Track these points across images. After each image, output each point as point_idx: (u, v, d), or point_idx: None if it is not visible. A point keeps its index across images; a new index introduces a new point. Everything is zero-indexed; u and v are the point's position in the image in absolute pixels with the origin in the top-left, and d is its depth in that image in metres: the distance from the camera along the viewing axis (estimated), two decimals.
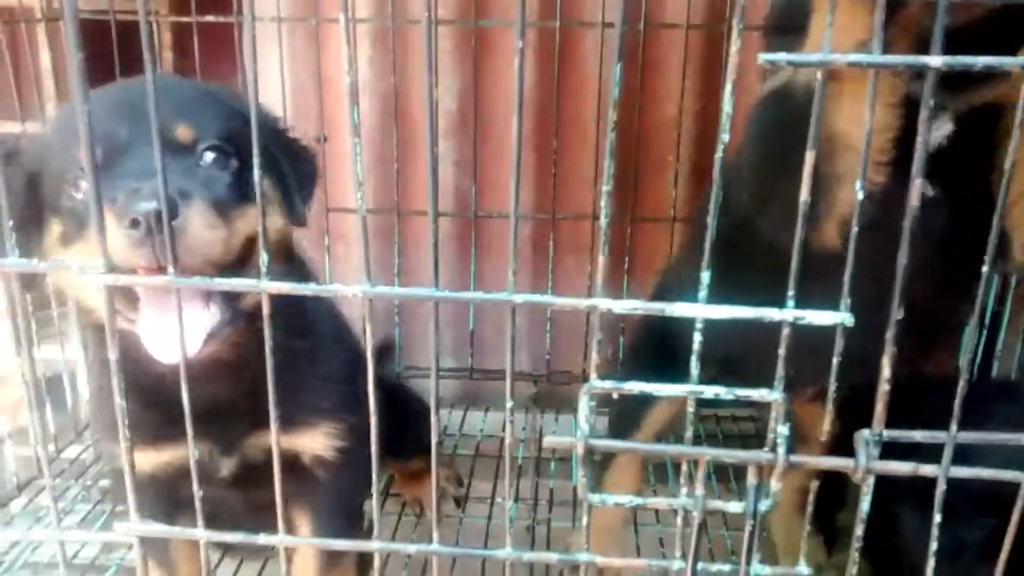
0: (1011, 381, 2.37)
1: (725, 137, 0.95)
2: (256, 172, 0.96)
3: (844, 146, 1.33)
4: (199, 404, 1.06)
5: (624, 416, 2.02)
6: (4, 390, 2.30)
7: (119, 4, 2.33)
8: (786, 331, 1.00)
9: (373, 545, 1.15)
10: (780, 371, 1.03)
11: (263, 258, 1.00)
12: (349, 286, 1.02)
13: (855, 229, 0.96)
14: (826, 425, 1.07)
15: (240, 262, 1.27)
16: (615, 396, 1.04)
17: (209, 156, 1.29)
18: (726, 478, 2.44)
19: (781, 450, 1.02)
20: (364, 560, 1.89)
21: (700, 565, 1.09)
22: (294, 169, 1.43)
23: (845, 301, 0.99)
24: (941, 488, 1.05)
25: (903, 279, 0.98)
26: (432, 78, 0.95)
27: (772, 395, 1.02)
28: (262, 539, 1.13)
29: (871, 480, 1.04)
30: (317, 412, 1.52)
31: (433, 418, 1.10)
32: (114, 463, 1.53)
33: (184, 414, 1.03)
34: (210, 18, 2.52)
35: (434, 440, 1.12)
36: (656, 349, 1.92)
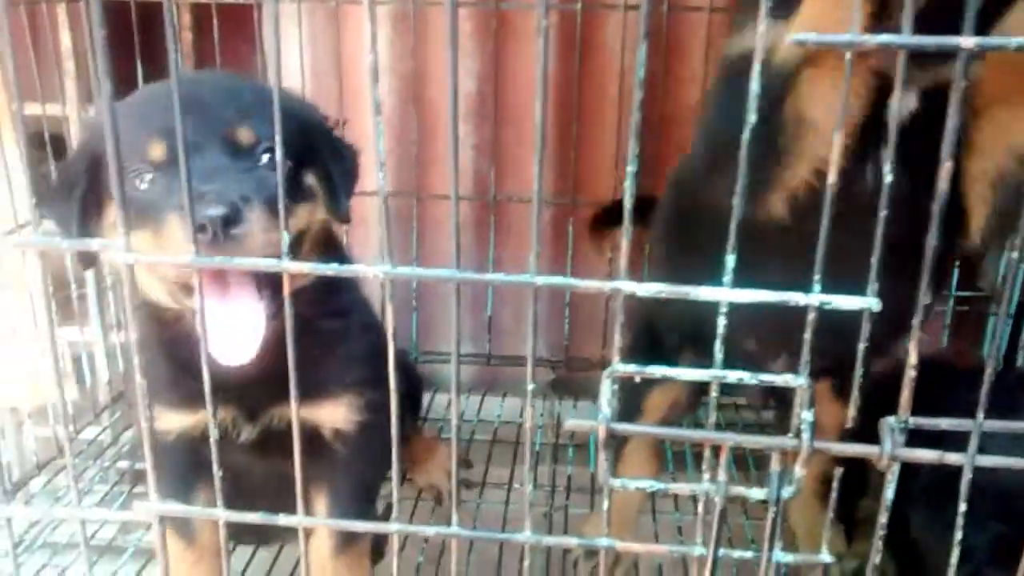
0: None
1: (752, 118, 0.94)
2: (278, 154, 0.99)
3: (812, 130, 1.34)
4: (231, 374, 1.17)
5: (624, 402, 2.01)
6: (24, 368, 2.30)
7: None
8: (812, 316, 0.99)
9: (392, 527, 1.15)
10: (805, 356, 1.02)
11: (284, 238, 1.01)
12: (370, 267, 1.01)
13: (884, 212, 0.94)
14: (851, 411, 1.06)
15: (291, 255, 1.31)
16: (637, 380, 1.04)
17: (266, 157, 1.33)
18: (745, 466, 2.43)
19: (805, 436, 1.01)
20: (378, 542, 1.90)
21: (721, 552, 1.09)
22: (338, 167, 1.46)
23: (873, 286, 0.98)
24: (967, 477, 1.04)
25: (932, 260, 0.97)
26: (455, 60, 0.94)
27: (797, 381, 1.01)
28: (282, 520, 1.13)
29: (896, 468, 1.03)
30: (341, 385, 1.56)
31: (453, 402, 1.09)
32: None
33: (215, 382, 1.07)
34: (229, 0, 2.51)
35: (454, 423, 1.11)
36: (644, 333, 1.93)
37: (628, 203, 0.98)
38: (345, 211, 1.47)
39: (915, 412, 1.02)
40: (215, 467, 1.11)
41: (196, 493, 1.60)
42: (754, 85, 0.93)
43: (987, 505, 1.08)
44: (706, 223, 1.60)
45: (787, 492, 1.03)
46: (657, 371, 1.05)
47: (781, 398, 2.13)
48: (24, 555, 2.08)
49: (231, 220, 1.18)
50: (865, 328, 1.01)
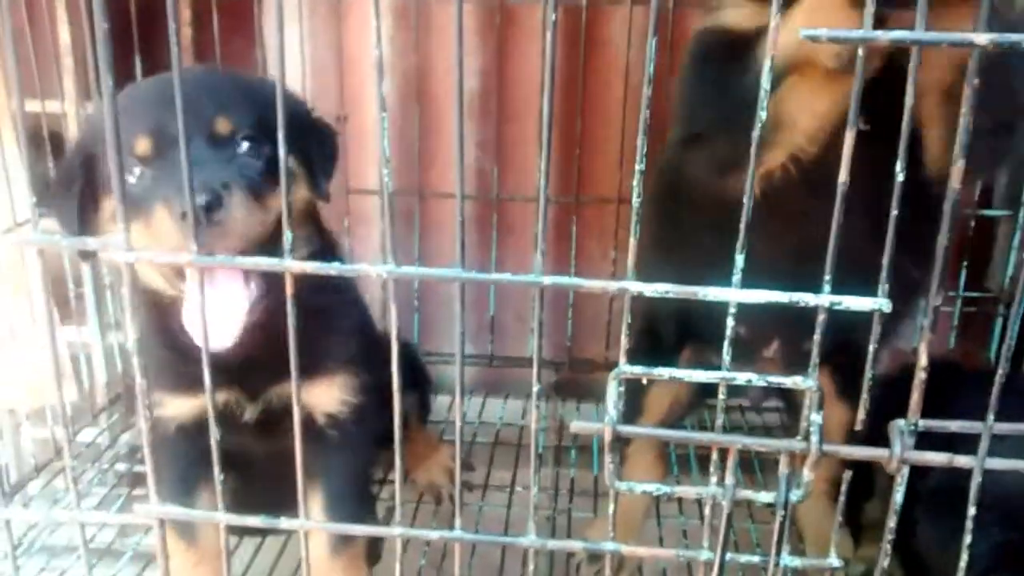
0: None
1: (763, 115, 0.93)
2: (281, 151, 1.00)
3: (789, 126, 1.39)
4: (230, 357, 1.25)
5: (625, 402, 2.00)
6: (22, 370, 2.29)
7: None
8: (822, 317, 0.98)
9: (394, 531, 1.14)
10: (814, 358, 1.00)
11: (287, 237, 1.01)
12: (373, 266, 1.00)
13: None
14: (860, 414, 1.04)
15: (275, 234, 1.38)
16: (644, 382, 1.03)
17: (245, 145, 1.41)
18: (751, 469, 2.40)
19: (814, 439, 0.99)
20: (375, 544, 1.90)
21: (728, 556, 1.07)
22: (317, 148, 1.53)
23: (883, 287, 0.97)
24: (977, 480, 1.02)
25: (942, 263, 0.96)
26: (460, 56, 0.92)
27: (805, 382, 1.00)
28: (284, 524, 1.12)
29: (905, 471, 1.02)
30: (334, 362, 1.62)
31: (457, 403, 1.08)
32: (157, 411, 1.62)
33: (216, 365, 1.12)
34: None
35: (458, 425, 1.11)
36: (644, 331, 1.93)
37: (635, 201, 0.97)
38: (325, 190, 1.54)
39: (922, 415, 1.01)
40: (216, 469, 1.12)
41: (198, 492, 1.62)
42: (765, 81, 0.92)
43: (988, 511, 1.07)
44: (684, 198, 1.69)
45: (795, 496, 1.02)
46: (665, 373, 1.04)
47: (783, 395, 2.12)
48: (22, 558, 2.07)
49: (213, 206, 1.23)
50: (875, 330, 0.99)
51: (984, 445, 1.01)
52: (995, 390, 0.99)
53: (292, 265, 1.00)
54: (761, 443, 1.04)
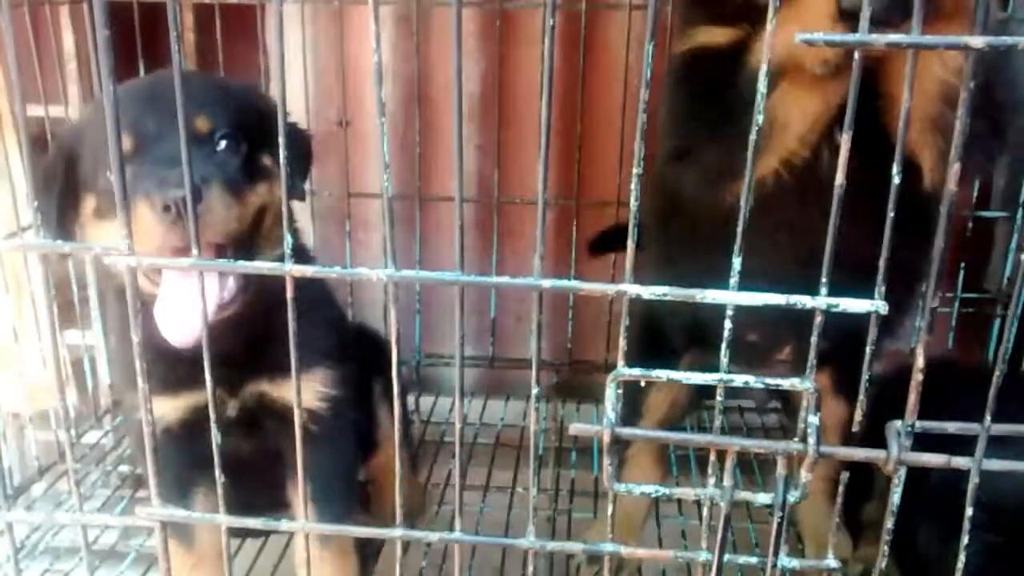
0: None
1: (760, 119, 0.93)
2: (282, 156, 1.03)
3: (781, 131, 1.41)
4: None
5: (623, 403, 2.00)
6: (26, 373, 2.30)
7: None
8: (819, 319, 0.98)
9: (395, 532, 1.14)
10: (811, 361, 1.01)
11: (287, 241, 1.02)
12: (374, 270, 1.01)
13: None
14: (857, 415, 1.05)
15: (252, 229, 1.47)
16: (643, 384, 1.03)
17: (223, 143, 1.46)
18: (750, 470, 2.41)
19: (812, 440, 1.00)
20: (369, 544, 1.92)
21: (727, 557, 1.08)
22: (291, 149, 1.55)
23: (880, 289, 0.97)
24: (974, 481, 1.03)
25: (939, 265, 0.96)
26: (459, 61, 0.93)
27: (803, 384, 1.00)
28: (284, 526, 1.13)
29: (903, 472, 1.02)
30: (308, 359, 1.61)
31: (457, 405, 1.09)
32: (133, 416, 1.61)
33: (195, 363, 1.15)
34: (233, 0, 2.50)
35: (458, 427, 1.11)
36: (644, 332, 1.92)
37: (633, 206, 0.98)
38: (300, 189, 1.62)
39: (919, 416, 1.01)
40: (217, 471, 1.13)
41: (193, 494, 1.64)
42: (761, 86, 0.93)
43: (979, 515, 1.07)
44: (678, 212, 1.71)
45: (793, 497, 1.03)
46: (663, 375, 1.04)
47: (784, 396, 2.13)
48: (26, 560, 2.08)
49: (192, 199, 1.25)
50: (872, 332, 1.00)
51: (981, 446, 1.01)
52: (992, 390, 0.99)
53: (292, 269, 1.01)
54: (758, 445, 1.05)
